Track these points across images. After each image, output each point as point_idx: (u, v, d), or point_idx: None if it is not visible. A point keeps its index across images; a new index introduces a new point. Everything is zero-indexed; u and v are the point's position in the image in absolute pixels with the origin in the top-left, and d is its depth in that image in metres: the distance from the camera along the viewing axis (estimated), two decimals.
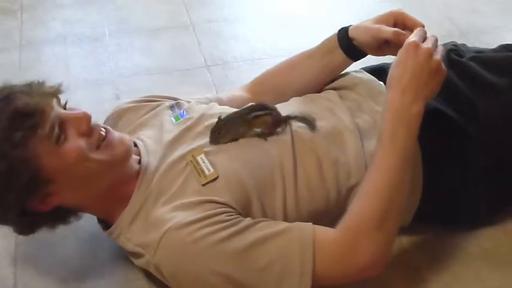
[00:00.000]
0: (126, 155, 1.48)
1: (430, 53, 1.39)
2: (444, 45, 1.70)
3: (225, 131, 1.50)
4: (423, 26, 1.51)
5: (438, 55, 1.40)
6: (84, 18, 2.68)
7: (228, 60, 2.37)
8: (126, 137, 1.51)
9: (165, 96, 1.73)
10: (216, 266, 1.34)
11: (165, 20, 2.64)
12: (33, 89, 1.42)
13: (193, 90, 2.15)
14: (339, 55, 1.67)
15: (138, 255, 1.45)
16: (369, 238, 1.33)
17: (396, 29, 1.53)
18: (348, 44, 1.64)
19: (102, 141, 1.44)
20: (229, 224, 1.35)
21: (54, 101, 1.42)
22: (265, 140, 1.51)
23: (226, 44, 2.47)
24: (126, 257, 1.55)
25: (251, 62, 2.34)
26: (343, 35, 1.65)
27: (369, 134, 1.54)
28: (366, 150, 1.51)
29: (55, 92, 1.44)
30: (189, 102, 1.67)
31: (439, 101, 1.56)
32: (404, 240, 1.60)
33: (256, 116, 1.51)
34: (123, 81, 2.26)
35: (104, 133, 1.45)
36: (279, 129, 1.51)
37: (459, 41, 1.77)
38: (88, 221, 1.59)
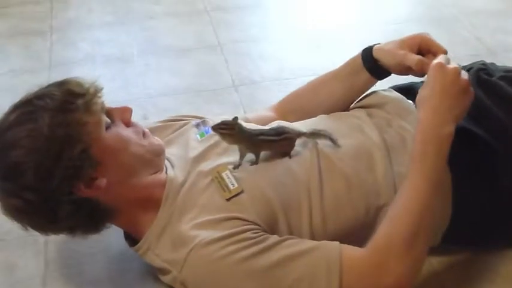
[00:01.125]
0: (162, 148, 1.56)
1: (458, 72, 1.39)
2: (473, 64, 1.71)
3: (234, 138, 1.49)
4: (446, 53, 1.52)
5: (466, 76, 1.40)
6: (113, 39, 2.71)
7: (256, 80, 2.38)
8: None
9: (192, 116, 1.75)
10: (242, 283, 1.34)
11: (192, 40, 2.66)
12: (85, 81, 1.47)
13: (221, 110, 2.16)
14: (364, 75, 1.67)
15: (165, 272, 1.46)
16: (397, 260, 1.31)
17: (420, 57, 1.53)
18: (373, 65, 1.64)
19: (143, 133, 1.53)
20: (256, 241, 1.35)
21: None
22: (290, 157, 1.51)
23: (254, 64, 2.47)
24: (153, 278, 1.56)
25: (279, 81, 2.34)
26: (368, 55, 1.65)
27: (397, 151, 1.54)
28: (394, 168, 1.51)
29: (100, 90, 1.48)
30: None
31: (468, 121, 1.55)
32: (434, 261, 1.59)
33: (268, 141, 1.51)
34: (151, 102, 2.28)
35: (143, 127, 1.55)
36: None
37: (488, 60, 1.75)
38: (116, 240, 1.61)
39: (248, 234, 1.36)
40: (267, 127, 1.58)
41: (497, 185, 1.51)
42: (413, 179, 1.37)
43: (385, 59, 1.61)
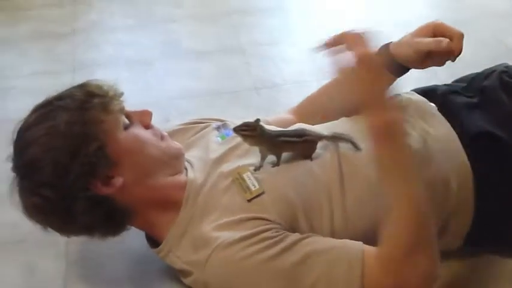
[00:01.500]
0: (181, 151, 1.57)
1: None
2: (496, 67, 1.69)
3: (256, 139, 1.49)
4: (462, 36, 1.51)
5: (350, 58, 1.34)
6: (135, 42, 2.72)
7: (277, 82, 2.37)
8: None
9: (213, 119, 1.76)
10: (264, 283, 1.33)
11: (214, 43, 2.66)
12: (105, 84, 1.50)
13: (242, 113, 2.16)
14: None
15: (186, 274, 1.46)
16: (409, 264, 1.29)
17: (435, 38, 1.52)
18: (390, 62, 1.63)
19: (161, 136, 1.55)
20: (277, 240, 1.35)
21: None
22: (311, 160, 1.50)
23: (276, 67, 2.47)
24: (173, 280, 1.56)
25: (300, 84, 2.33)
26: (385, 52, 1.64)
27: (418, 154, 1.51)
28: None
29: (121, 93, 1.51)
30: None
31: (491, 123, 1.54)
32: (454, 264, 1.57)
33: (289, 142, 1.50)
34: (173, 104, 2.28)
35: (162, 131, 1.56)
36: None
37: (510, 63, 1.74)
38: (136, 242, 1.61)
39: (269, 233, 1.36)
40: (288, 129, 1.58)
41: None
42: (386, 188, 1.33)
43: (402, 52, 1.59)
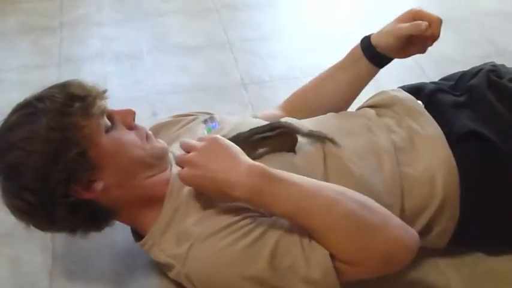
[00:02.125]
0: (165, 150, 1.55)
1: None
2: (483, 65, 1.70)
3: None
4: (441, 21, 1.57)
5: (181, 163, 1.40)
6: (122, 36, 2.71)
7: (265, 79, 2.37)
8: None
9: (201, 112, 1.77)
10: (244, 271, 1.34)
11: (202, 38, 2.66)
12: (87, 84, 1.48)
13: (230, 108, 2.16)
14: (365, 65, 1.71)
15: (169, 267, 1.46)
16: (371, 256, 1.30)
17: (414, 22, 1.57)
18: (372, 53, 1.67)
19: (146, 135, 1.52)
20: (252, 227, 1.36)
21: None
22: (295, 153, 1.51)
23: (263, 63, 2.47)
24: (159, 273, 1.57)
25: (288, 80, 2.34)
26: (367, 43, 1.69)
27: (405, 152, 1.53)
28: (401, 169, 1.50)
29: (103, 93, 1.49)
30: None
31: (478, 123, 1.54)
32: (441, 262, 1.59)
33: (264, 138, 1.49)
34: (160, 99, 2.28)
35: (146, 130, 1.54)
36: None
37: (498, 62, 1.75)
38: (123, 235, 1.61)
39: (245, 221, 1.37)
40: (261, 124, 1.56)
41: (505, 185, 1.50)
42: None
43: (383, 41, 1.65)
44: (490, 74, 1.65)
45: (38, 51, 2.60)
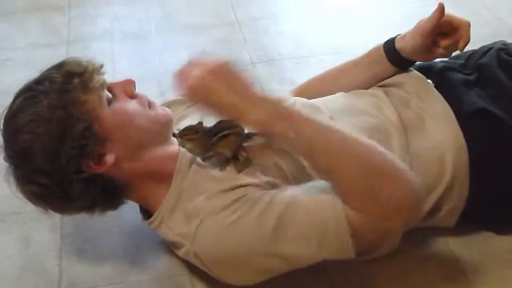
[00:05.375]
0: (170, 117, 1.55)
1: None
2: (493, 44, 1.69)
3: (197, 142, 1.46)
4: (469, 24, 1.55)
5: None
6: (131, 15, 2.70)
7: (274, 57, 2.36)
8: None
9: None
10: (252, 246, 1.34)
11: (210, 17, 2.64)
12: (83, 60, 1.48)
13: None
14: (387, 67, 1.68)
15: (178, 245, 1.47)
16: (381, 201, 1.28)
17: (434, 11, 1.55)
18: (396, 57, 1.64)
19: (148, 103, 1.52)
20: (257, 199, 1.35)
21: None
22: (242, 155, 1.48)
23: (272, 41, 2.46)
24: (169, 252, 1.57)
25: (296, 59, 2.32)
26: (390, 47, 1.65)
27: (414, 131, 1.53)
28: (410, 148, 1.50)
29: (100, 67, 1.49)
30: None
31: (488, 101, 1.54)
32: (451, 242, 1.58)
33: (222, 137, 1.45)
34: (169, 78, 2.25)
35: (148, 98, 1.54)
36: (243, 153, 1.46)
37: (509, 40, 1.74)
38: (131, 214, 1.61)
39: (250, 195, 1.37)
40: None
41: None
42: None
43: (407, 45, 1.62)
44: (500, 52, 1.64)
45: (47, 30, 2.60)
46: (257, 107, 1.33)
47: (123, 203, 1.54)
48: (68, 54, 2.38)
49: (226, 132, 1.44)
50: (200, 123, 1.46)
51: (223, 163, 1.45)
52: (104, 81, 1.47)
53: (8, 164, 1.43)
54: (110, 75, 1.51)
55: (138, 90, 1.53)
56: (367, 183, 1.29)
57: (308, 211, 1.32)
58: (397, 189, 1.29)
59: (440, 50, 1.61)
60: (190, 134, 1.44)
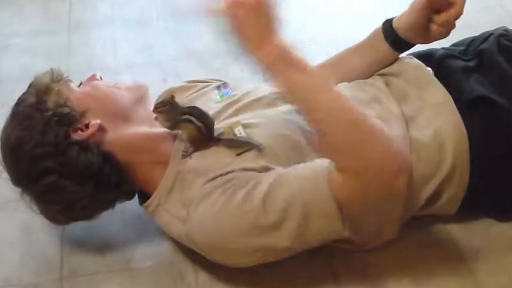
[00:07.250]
0: (141, 84, 1.65)
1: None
2: (495, 30, 1.69)
3: (164, 114, 1.50)
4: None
5: None
6: (132, 1, 2.68)
7: None
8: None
9: (214, 79, 1.78)
10: (241, 225, 1.36)
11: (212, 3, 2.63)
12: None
13: (240, 73, 2.14)
14: (386, 49, 1.67)
15: (172, 228, 1.50)
16: (363, 156, 1.31)
17: None
18: (394, 37, 1.64)
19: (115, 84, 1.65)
20: (244, 182, 1.37)
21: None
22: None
23: None
24: (170, 239, 1.58)
25: (298, 46, 2.30)
26: (388, 28, 1.65)
27: (414, 118, 1.54)
28: (410, 134, 1.50)
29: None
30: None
31: (488, 88, 1.54)
32: (452, 229, 1.59)
33: (187, 120, 1.47)
34: (170, 65, 2.27)
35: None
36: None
37: (510, 27, 1.73)
38: (133, 202, 1.62)
39: (239, 179, 1.38)
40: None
41: None
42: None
43: (404, 23, 1.61)
44: (501, 38, 1.64)
45: (48, 17, 2.59)
46: (269, 47, 1.35)
47: (134, 191, 1.57)
48: (69, 40, 2.38)
49: (191, 118, 1.46)
50: (172, 97, 1.50)
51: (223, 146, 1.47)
52: (69, 78, 1.60)
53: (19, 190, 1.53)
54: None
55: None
56: (357, 145, 1.31)
57: (292, 185, 1.34)
58: (385, 155, 1.31)
59: (435, 26, 1.58)
60: (160, 107, 1.49)
